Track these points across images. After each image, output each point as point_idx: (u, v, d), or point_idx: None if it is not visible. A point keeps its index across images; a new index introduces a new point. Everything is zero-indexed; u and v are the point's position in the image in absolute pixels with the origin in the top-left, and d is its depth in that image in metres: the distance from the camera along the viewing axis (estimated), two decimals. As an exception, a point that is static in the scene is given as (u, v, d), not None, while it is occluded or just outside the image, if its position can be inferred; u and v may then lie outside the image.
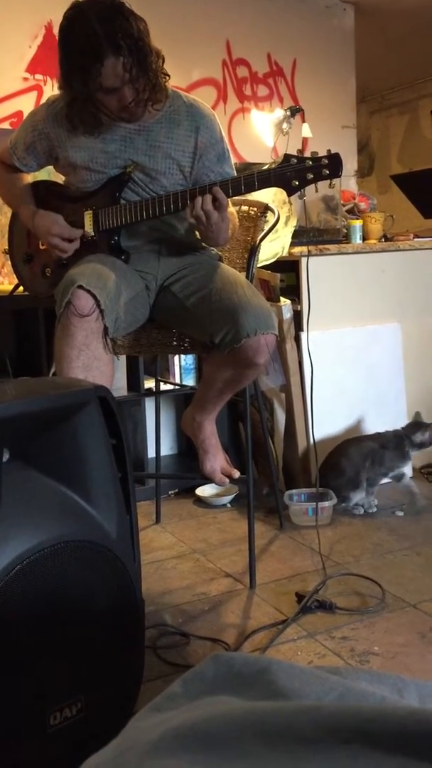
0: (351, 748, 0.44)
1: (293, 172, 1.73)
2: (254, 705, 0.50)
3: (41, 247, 2.10)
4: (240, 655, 0.63)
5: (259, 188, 1.80)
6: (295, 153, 1.78)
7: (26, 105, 3.11)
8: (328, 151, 1.74)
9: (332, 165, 1.72)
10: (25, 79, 3.15)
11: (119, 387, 2.71)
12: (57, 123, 1.93)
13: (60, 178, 2.09)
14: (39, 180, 2.11)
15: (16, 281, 2.30)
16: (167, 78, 1.85)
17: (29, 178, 2.10)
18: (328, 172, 1.73)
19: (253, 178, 1.78)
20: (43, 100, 3.10)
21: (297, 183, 1.74)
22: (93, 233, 1.95)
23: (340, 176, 1.77)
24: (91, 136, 1.90)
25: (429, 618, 1.83)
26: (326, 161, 1.72)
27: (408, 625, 1.80)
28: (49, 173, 2.19)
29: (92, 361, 1.72)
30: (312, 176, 1.73)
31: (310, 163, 1.73)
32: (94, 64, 1.69)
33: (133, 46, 1.70)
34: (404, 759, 0.43)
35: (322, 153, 1.78)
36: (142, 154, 1.92)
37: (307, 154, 1.76)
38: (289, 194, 1.78)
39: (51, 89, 3.16)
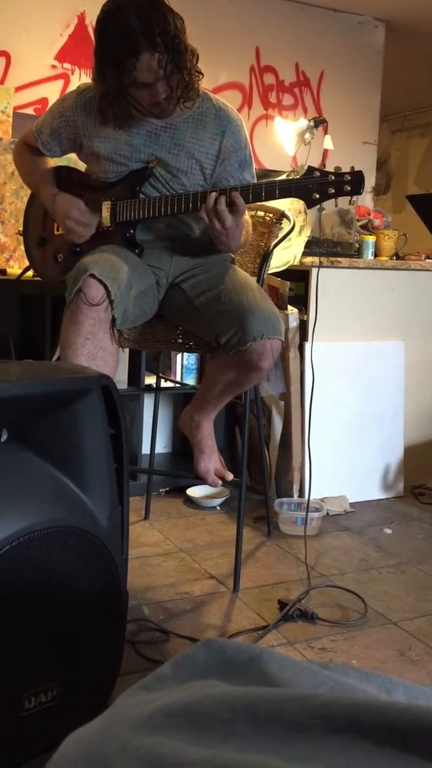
0: (343, 737, 0.45)
1: (315, 185, 1.74)
2: (247, 689, 0.51)
3: (56, 232, 2.10)
4: (232, 642, 0.63)
5: (279, 197, 1.81)
6: (316, 165, 1.79)
7: (52, 92, 3.12)
8: (352, 168, 1.75)
9: (354, 182, 1.73)
10: (53, 66, 3.16)
11: (120, 381, 2.71)
12: (85, 112, 1.94)
13: (81, 166, 2.09)
14: (61, 165, 2.11)
15: (26, 265, 2.30)
16: (200, 77, 1.86)
17: (52, 162, 2.10)
18: (349, 188, 1.74)
19: (274, 186, 1.79)
20: (70, 89, 3.11)
21: (317, 196, 1.75)
22: (109, 224, 1.96)
23: (361, 194, 1.78)
24: (119, 129, 1.90)
25: (409, 636, 1.83)
26: (349, 177, 1.74)
27: (388, 642, 1.80)
28: (68, 161, 2.20)
29: (97, 350, 1.72)
30: (333, 191, 1.74)
31: (333, 178, 1.74)
32: (129, 58, 1.70)
33: (170, 43, 1.70)
34: (396, 752, 0.43)
35: (342, 166, 1.79)
36: (166, 151, 1.92)
37: (328, 166, 1.78)
38: (309, 206, 1.79)
39: (78, 78, 3.17)
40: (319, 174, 1.75)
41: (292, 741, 0.45)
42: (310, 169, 1.76)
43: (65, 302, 1.78)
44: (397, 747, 0.43)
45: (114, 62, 1.73)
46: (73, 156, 2.09)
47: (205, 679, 0.55)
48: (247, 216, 1.96)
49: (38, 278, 2.26)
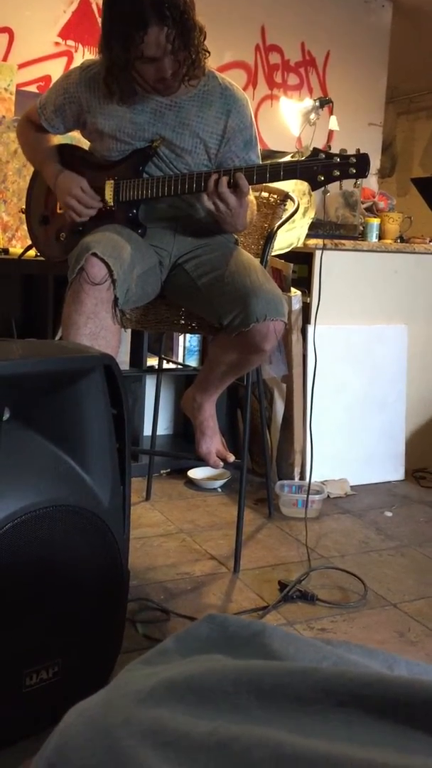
0: (345, 711, 0.45)
1: (320, 167, 1.73)
2: (250, 663, 0.51)
3: (59, 211, 2.09)
4: (235, 618, 0.63)
5: (284, 179, 1.80)
6: (321, 146, 1.78)
7: (55, 70, 3.09)
8: (357, 150, 1.74)
9: (360, 165, 1.72)
10: (57, 44, 3.12)
11: (122, 362, 2.70)
12: (89, 88, 1.92)
13: (84, 144, 2.07)
14: (64, 143, 2.10)
15: (28, 244, 2.29)
16: (207, 55, 1.84)
17: (55, 139, 2.09)
18: (355, 171, 1.73)
19: (279, 168, 1.78)
20: (73, 66, 3.08)
21: (322, 178, 1.74)
22: (112, 203, 1.94)
23: (366, 176, 1.77)
24: (123, 105, 1.89)
25: (409, 618, 1.84)
26: (354, 160, 1.72)
27: (387, 624, 1.81)
28: (71, 139, 2.18)
29: (99, 330, 1.72)
30: (338, 173, 1.73)
31: (338, 160, 1.72)
32: (137, 31, 1.68)
33: (178, 18, 1.68)
34: (399, 726, 0.43)
35: (347, 147, 1.77)
36: (170, 129, 1.91)
37: (333, 147, 1.77)
38: (314, 188, 1.78)
39: (82, 56, 3.14)
40: (324, 156, 1.74)
41: (295, 714, 0.45)
42: (315, 151, 1.75)
43: (67, 282, 1.77)
44: (400, 721, 0.43)
45: (122, 35, 1.70)
46: (76, 134, 2.07)
47: (208, 654, 0.55)
48: (251, 196, 1.95)
49: (41, 258, 2.25)
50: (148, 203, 1.96)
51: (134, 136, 1.91)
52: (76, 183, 1.95)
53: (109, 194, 1.94)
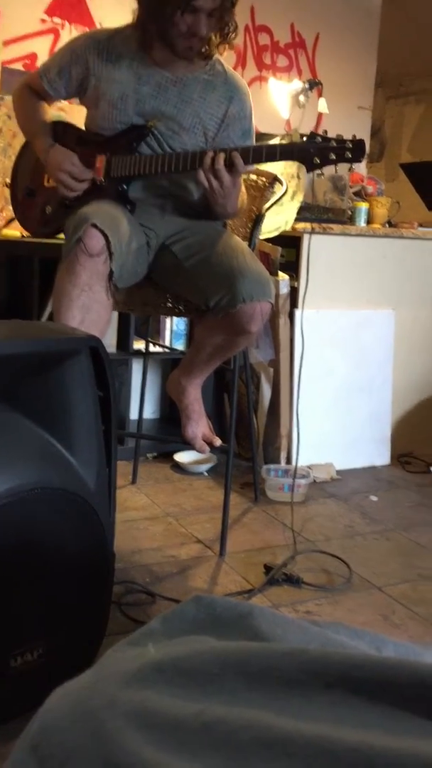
0: (333, 692, 0.45)
1: (317, 150, 1.74)
2: (238, 644, 0.51)
3: (46, 184, 2.07)
4: (222, 599, 0.63)
5: (280, 159, 1.81)
6: (309, 129, 1.79)
7: (42, 47, 3.05)
8: (354, 136, 1.77)
9: (356, 150, 1.74)
10: (43, 21, 3.08)
11: (108, 345, 2.67)
12: (98, 51, 1.92)
13: (78, 123, 2.05)
14: (58, 120, 2.07)
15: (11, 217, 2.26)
16: (232, 38, 1.90)
17: (51, 112, 2.06)
18: (350, 155, 1.75)
19: (275, 149, 1.79)
20: (60, 44, 3.04)
21: (318, 161, 1.75)
22: (103, 179, 1.93)
23: (360, 161, 1.81)
24: (129, 69, 1.89)
25: (393, 601, 1.85)
26: (350, 145, 1.74)
27: (372, 606, 1.82)
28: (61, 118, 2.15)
29: (92, 303, 1.71)
30: (335, 157, 1.75)
31: (335, 144, 1.74)
32: None
33: None
34: (387, 708, 0.43)
35: (336, 130, 1.78)
36: (172, 105, 1.91)
37: (322, 130, 1.78)
38: (309, 170, 1.79)
39: (69, 33, 3.09)
40: (320, 139, 1.75)
41: (282, 696, 0.45)
42: (313, 135, 1.78)
43: (54, 263, 1.75)
44: (389, 703, 0.43)
45: None
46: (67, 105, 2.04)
47: (195, 635, 0.55)
48: (243, 188, 1.97)
49: (26, 239, 2.23)
50: (142, 182, 1.95)
51: (134, 107, 1.90)
52: (68, 158, 1.93)
53: (101, 170, 1.93)
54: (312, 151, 1.74)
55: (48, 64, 2.00)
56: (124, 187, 1.94)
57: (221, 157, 1.76)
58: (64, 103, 2.41)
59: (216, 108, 1.93)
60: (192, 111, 1.91)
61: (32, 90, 2.04)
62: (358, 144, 1.74)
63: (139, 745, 0.42)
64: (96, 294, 1.71)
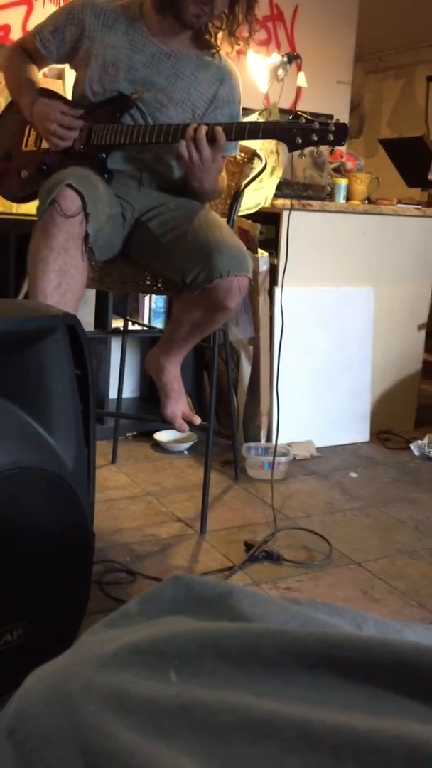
0: (314, 673, 0.44)
1: (299, 130, 1.75)
2: (217, 625, 0.50)
3: (24, 148, 2.05)
4: (201, 579, 0.62)
5: (262, 138, 1.82)
6: (289, 103, 1.80)
7: (15, 19, 2.97)
8: (337, 120, 1.79)
9: (338, 133, 1.76)
10: (16, -9, 3.00)
11: (86, 323, 2.66)
12: (95, 14, 1.90)
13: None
14: (44, 87, 2.04)
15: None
16: (238, 43, 1.93)
17: (39, 79, 2.04)
18: (332, 138, 1.76)
19: (258, 126, 1.80)
20: (33, 16, 2.97)
21: (300, 141, 1.76)
22: (83, 145, 1.91)
23: (342, 145, 1.83)
24: (125, 36, 1.88)
25: (372, 576, 1.86)
26: (333, 128, 1.75)
27: (351, 582, 1.83)
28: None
29: (69, 267, 1.69)
30: (316, 138, 1.75)
31: (318, 126, 1.75)
32: None
33: None
34: (369, 687, 0.42)
35: (316, 105, 1.78)
36: (163, 77, 1.90)
37: (301, 105, 1.79)
38: (291, 150, 1.81)
39: (42, 5, 3.02)
40: (304, 120, 1.76)
41: (263, 677, 0.45)
42: (297, 115, 1.79)
43: (30, 238, 1.72)
44: (371, 683, 0.43)
45: None
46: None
47: (173, 616, 0.54)
48: (224, 173, 1.98)
49: (2, 217, 2.19)
50: (120, 152, 1.94)
51: (125, 73, 1.89)
52: (55, 107, 1.90)
53: (81, 137, 1.91)
54: (295, 131, 1.75)
55: (43, 23, 1.99)
56: (104, 156, 1.92)
57: (203, 129, 1.76)
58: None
59: (206, 88, 1.94)
60: (183, 86, 1.91)
61: (24, 51, 2.02)
62: (340, 128, 1.75)
63: (116, 729, 0.42)
64: (72, 258, 1.69)
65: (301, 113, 1.79)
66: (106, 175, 1.92)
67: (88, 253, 1.74)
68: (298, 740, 0.38)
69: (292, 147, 1.77)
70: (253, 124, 1.81)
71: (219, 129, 1.75)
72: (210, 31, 1.93)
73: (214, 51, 1.95)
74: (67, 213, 1.66)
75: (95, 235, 1.73)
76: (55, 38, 1.96)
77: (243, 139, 1.82)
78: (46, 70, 2.35)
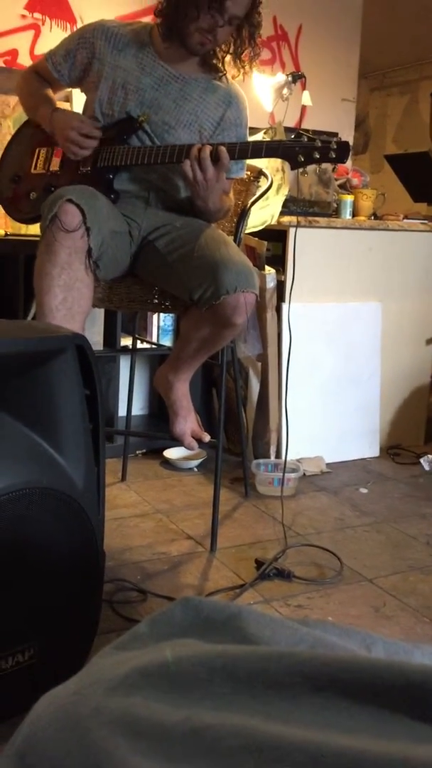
0: (323, 696, 0.44)
1: (301, 149, 1.78)
2: (225, 648, 0.50)
3: (33, 171, 2.08)
4: (210, 601, 0.62)
5: (265, 156, 1.85)
6: (294, 122, 1.83)
7: (22, 43, 3.02)
8: (339, 137, 1.83)
9: (340, 151, 1.78)
10: (23, 16, 3.05)
11: (95, 342, 2.67)
12: (106, 37, 1.94)
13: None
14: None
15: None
16: (245, 69, 1.97)
17: (55, 98, 2.10)
18: (334, 156, 1.79)
19: (261, 146, 1.83)
20: (41, 40, 3.02)
21: (302, 159, 1.79)
22: (90, 167, 1.96)
23: (344, 162, 1.86)
24: (135, 59, 1.93)
25: (384, 593, 1.85)
26: (335, 146, 1.78)
27: (363, 599, 1.82)
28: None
29: (74, 281, 1.71)
30: (318, 156, 1.78)
31: (320, 143, 1.77)
32: None
33: (257, 14, 1.89)
34: (377, 710, 0.42)
35: (320, 122, 1.80)
36: (171, 100, 1.94)
37: (306, 123, 1.82)
38: (293, 168, 1.84)
39: (50, 30, 3.06)
40: (306, 139, 1.79)
41: (271, 700, 0.45)
42: (299, 134, 1.82)
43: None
44: (379, 706, 0.43)
45: None
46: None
47: (183, 638, 0.55)
48: (231, 194, 2.02)
49: (10, 238, 2.22)
50: (126, 173, 1.96)
51: (133, 95, 1.92)
52: (74, 116, 1.96)
53: (88, 159, 1.96)
54: (297, 149, 1.78)
55: (56, 47, 2.03)
56: (110, 176, 1.95)
57: (207, 148, 1.79)
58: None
59: (213, 110, 1.97)
60: (190, 108, 1.94)
61: (38, 74, 2.07)
62: (342, 145, 1.77)
63: (125, 754, 0.42)
64: (76, 272, 1.71)
65: (303, 131, 1.82)
66: (112, 195, 1.95)
67: (92, 267, 1.76)
68: (306, 764, 0.38)
69: (295, 165, 1.80)
70: (256, 144, 1.84)
71: (222, 148, 1.78)
72: (217, 55, 1.96)
73: (221, 74, 1.98)
74: (68, 228, 1.68)
75: (98, 249, 1.75)
76: (67, 62, 2.00)
77: (246, 158, 1.85)
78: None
